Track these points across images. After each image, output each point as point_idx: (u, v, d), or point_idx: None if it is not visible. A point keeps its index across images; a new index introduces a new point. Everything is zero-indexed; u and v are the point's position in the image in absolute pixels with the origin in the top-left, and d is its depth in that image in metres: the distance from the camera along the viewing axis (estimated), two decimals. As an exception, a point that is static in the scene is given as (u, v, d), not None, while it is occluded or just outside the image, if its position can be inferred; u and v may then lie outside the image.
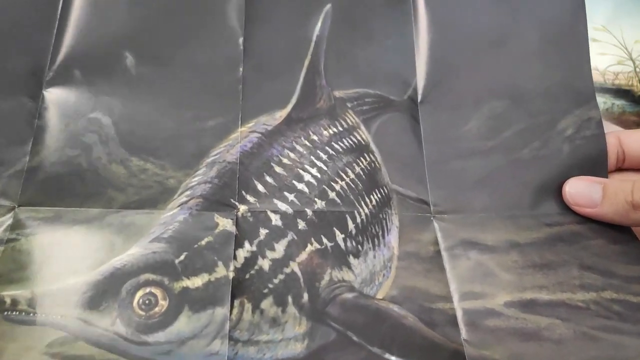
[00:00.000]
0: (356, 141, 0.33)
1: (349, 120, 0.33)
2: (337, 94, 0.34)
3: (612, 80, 0.41)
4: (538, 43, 0.35)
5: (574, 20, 0.36)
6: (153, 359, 0.24)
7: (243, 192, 0.30)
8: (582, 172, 0.33)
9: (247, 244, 0.28)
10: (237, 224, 0.29)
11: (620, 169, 0.34)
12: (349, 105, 0.34)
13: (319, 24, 0.35)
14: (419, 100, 0.34)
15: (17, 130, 0.30)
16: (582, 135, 0.33)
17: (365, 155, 0.32)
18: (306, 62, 0.34)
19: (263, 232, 0.29)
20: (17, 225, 0.28)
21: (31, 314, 0.25)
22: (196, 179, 0.30)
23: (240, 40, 0.34)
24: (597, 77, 0.40)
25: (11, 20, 0.32)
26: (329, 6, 0.35)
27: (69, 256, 0.27)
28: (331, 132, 0.33)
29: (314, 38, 0.35)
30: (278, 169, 0.31)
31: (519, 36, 0.35)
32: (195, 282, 0.27)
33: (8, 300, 0.25)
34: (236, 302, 0.26)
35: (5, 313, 0.25)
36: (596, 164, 0.33)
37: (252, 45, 0.34)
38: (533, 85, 0.35)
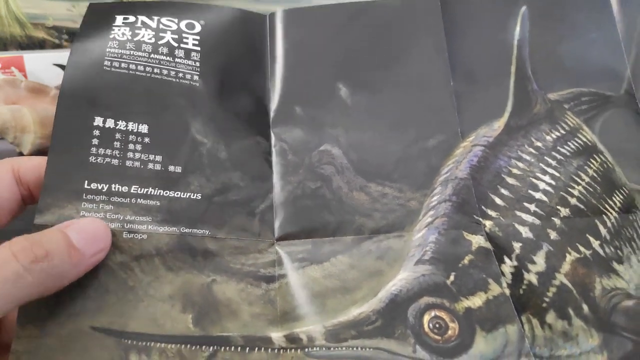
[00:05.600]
0: (582, 143, 0.32)
1: (569, 123, 0.33)
2: (552, 96, 0.33)
3: None
4: None
5: None
6: (467, 383, 0.25)
7: (483, 207, 0.30)
8: None
9: (507, 259, 0.28)
10: (489, 239, 0.29)
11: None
12: (566, 106, 0.33)
13: (518, 28, 0.34)
14: (635, 94, 0.33)
15: (257, 167, 0.31)
16: None
17: (595, 156, 0.32)
18: (512, 69, 0.34)
19: (517, 245, 0.29)
20: (281, 261, 0.28)
21: (331, 348, 0.26)
22: (435, 198, 0.30)
23: (446, 56, 0.34)
24: None
25: (230, 64, 0.33)
26: (524, 8, 0.35)
27: (343, 287, 0.28)
28: (554, 136, 0.32)
29: (515, 42, 0.34)
30: (510, 180, 0.31)
31: None
32: (475, 301, 0.27)
33: (304, 337, 0.26)
34: (523, 319, 0.26)
35: (307, 350, 0.26)
36: None
37: (456, 57, 0.34)
38: None
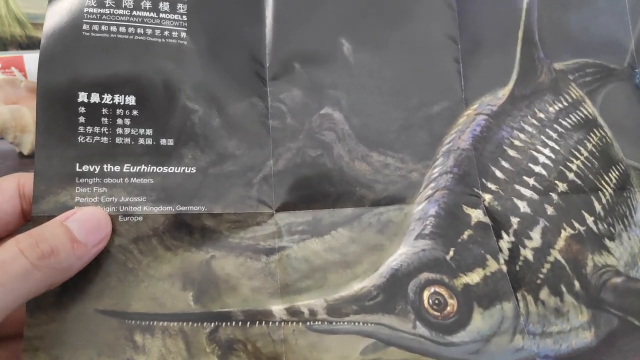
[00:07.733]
0: (583, 116, 0.32)
1: (573, 94, 0.32)
2: (557, 66, 0.32)
3: None
4: None
5: None
6: (466, 359, 0.25)
7: (483, 179, 0.30)
8: None
9: (504, 235, 0.29)
10: (487, 214, 0.29)
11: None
12: (570, 77, 0.32)
13: None
14: (637, 67, 0.33)
15: (254, 133, 0.29)
16: None
17: (595, 130, 0.32)
18: (520, 34, 0.32)
19: (514, 220, 0.29)
20: (281, 232, 0.28)
21: (333, 323, 0.26)
22: (436, 170, 0.30)
23: (455, 15, 0.32)
24: None
25: (221, 14, 0.30)
26: None
27: (343, 261, 0.27)
28: (557, 108, 0.32)
29: (524, 6, 0.33)
30: (511, 152, 0.31)
31: None
32: (473, 277, 0.27)
33: (305, 311, 0.26)
34: (518, 295, 0.27)
35: (308, 323, 0.26)
36: None
37: (464, 20, 0.32)
38: None
